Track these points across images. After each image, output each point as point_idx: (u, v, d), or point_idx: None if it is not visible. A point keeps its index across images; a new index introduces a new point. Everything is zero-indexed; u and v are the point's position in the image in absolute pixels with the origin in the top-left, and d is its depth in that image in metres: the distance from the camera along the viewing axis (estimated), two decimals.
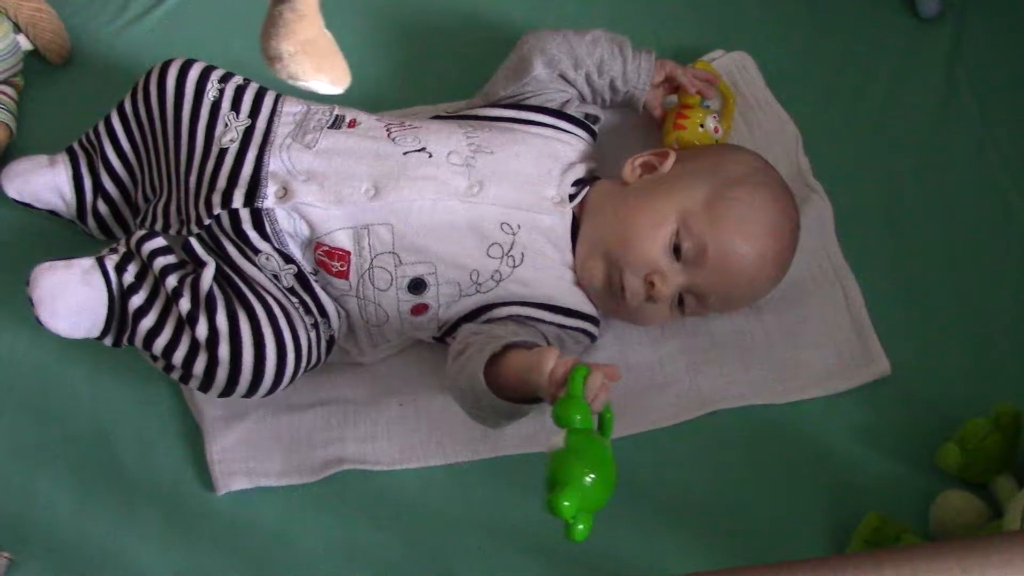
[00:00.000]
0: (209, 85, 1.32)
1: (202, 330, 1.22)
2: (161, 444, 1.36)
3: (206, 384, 1.24)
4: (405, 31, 1.58)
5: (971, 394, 1.37)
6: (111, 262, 1.26)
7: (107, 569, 1.29)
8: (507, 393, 1.16)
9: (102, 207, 1.40)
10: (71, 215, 1.41)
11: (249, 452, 1.34)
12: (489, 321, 1.30)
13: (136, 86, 1.36)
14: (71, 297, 1.24)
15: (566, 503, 1.00)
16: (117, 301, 1.25)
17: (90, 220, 1.41)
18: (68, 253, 1.40)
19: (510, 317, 1.30)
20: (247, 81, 1.35)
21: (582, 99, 1.42)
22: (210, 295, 1.23)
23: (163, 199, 1.34)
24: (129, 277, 1.26)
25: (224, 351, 1.22)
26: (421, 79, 1.55)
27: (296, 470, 1.34)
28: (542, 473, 1.28)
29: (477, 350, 1.20)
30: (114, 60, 1.55)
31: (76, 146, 1.41)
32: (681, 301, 1.31)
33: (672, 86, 1.46)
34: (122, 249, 1.28)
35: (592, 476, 1.02)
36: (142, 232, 1.28)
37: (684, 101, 1.46)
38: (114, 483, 1.33)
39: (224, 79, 1.34)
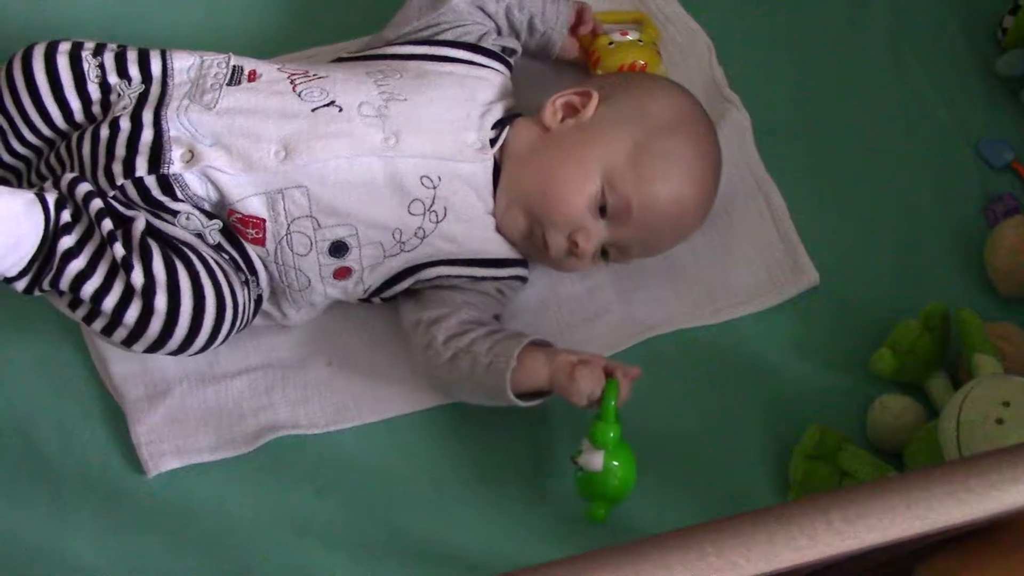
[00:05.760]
0: (86, 66, 1.21)
1: (137, 277, 1.12)
2: (84, 430, 1.29)
3: (135, 335, 1.14)
4: None
5: (899, 296, 1.38)
6: (51, 197, 1.13)
7: (40, 566, 1.23)
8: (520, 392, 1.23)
9: None
10: None
11: (177, 429, 1.28)
12: (418, 283, 1.27)
13: None
14: (9, 227, 1.09)
15: (602, 512, 1.21)
16: (49, 240, 1.13)
17: None
18: None
19: (439, 278, 1.26)
20: (123, 47, 1.24)
21: (499, 32, 1.35)
22: (145, 241, 1.14)
23: (64, 175, 1.23)
24: (66, 216, 1.13)
25: (161, 301, 1.13)
26: (317, 17, 1.46)
27: (228, 443, 1.28)
28: (481, 418, 1.30)
29: (491, 352, 1.22)
30: None
31: None
32: (604, 252, 1.29)
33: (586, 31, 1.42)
34: (55, 191, 1.16)
35: (622, 480, 1.20)
36: (73, 174, 1.17)
37: (592, 47, 1.42)
38: (38, 476, 1.26)
39: (98, 52, 1.23)
